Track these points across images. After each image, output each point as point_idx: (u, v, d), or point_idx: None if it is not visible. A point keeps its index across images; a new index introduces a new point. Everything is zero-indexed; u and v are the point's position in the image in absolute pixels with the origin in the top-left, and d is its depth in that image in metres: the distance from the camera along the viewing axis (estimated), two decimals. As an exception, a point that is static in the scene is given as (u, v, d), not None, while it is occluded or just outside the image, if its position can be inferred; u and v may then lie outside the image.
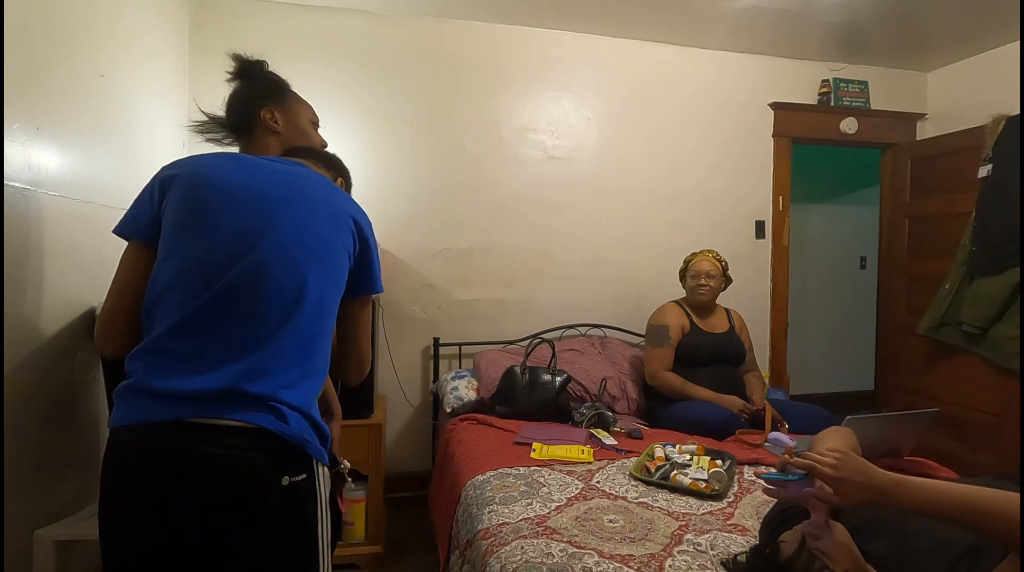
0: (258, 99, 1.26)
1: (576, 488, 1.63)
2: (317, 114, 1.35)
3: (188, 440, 0.86)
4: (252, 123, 1.26)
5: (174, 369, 0.89)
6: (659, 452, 1.85)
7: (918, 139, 3.43)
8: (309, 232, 0.99)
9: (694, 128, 3.15)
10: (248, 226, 0.95)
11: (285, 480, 0.89)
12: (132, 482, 0.88)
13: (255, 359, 0.91)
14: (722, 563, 1.23)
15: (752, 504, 1.55)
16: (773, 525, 1.23)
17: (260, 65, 1.31)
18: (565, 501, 1.55)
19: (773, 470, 1.09)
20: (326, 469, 0.99)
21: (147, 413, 0.88)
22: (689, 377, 2.38)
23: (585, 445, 1.97)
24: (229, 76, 1.28)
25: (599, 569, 1.21)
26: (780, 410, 2.26)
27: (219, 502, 0.87)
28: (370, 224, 1.09)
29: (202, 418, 0.87)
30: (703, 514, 1.48)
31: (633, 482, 1.68)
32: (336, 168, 1.27)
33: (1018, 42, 2.92)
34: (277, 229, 0.96)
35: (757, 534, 1.34)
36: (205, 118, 1.28)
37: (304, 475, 0.92)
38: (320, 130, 1.35)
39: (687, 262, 2.60)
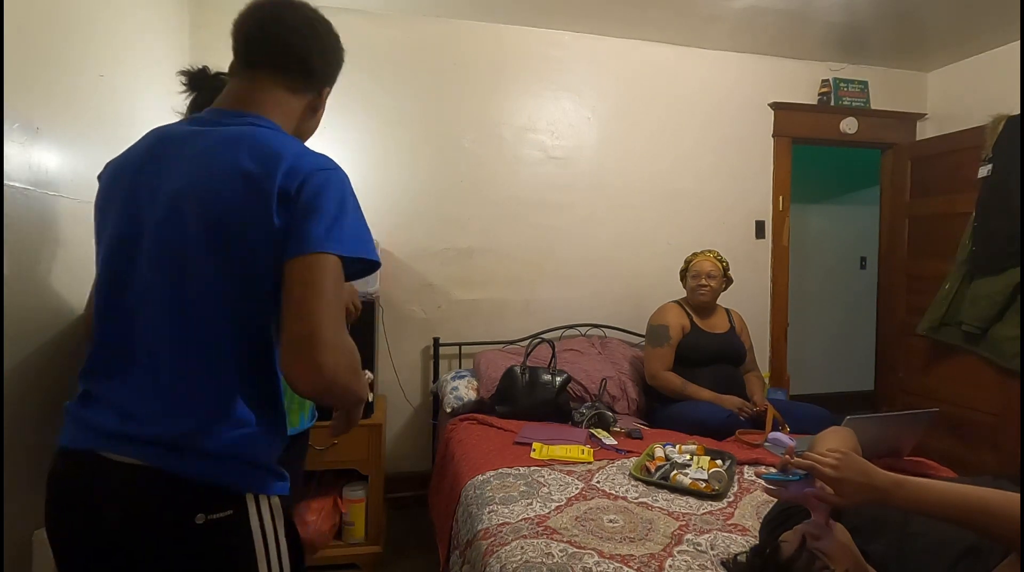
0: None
1: (576, 488, 1.63)
2: None
3: (93, 474, 0.79)
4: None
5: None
6: (659, 452, 1.85)
7: (918, 139, 3.43)
8: (191, 224, 0.80)
9: (694, 128, 3.15)
10: (124, 234, 0.85)
11: (200, 518, 0.77)
12: (51, 517, 0.83)
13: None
14: (722, 563, 1.23)
15: (752, 504, 1.55)
16: (773, 525, 1.23)
17: (204, 72, 1.27)
18: (565, 501, 1.55)
19: (773, 470, 1.09)
20: (273, 500, 0.85)
21: (68, 436, 0.83)
22: (689, 377, 2.38)
23: (585, 445, 1.97)
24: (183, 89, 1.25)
25: (599, 569, 1.21)
26: (780, 410, 2.26)
27: (124, 543, 0.78)
28: (321, 168, 0.84)
29: (107, 452, 0.78)
30: (703, 514, 1.48)
31: (633, 482, 1.68)
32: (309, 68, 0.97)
33: (1018, 42, 2.92)
34: (151, 233, 0.82)
35: (757, 534, 1.34)
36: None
37: (229, 511, 0.79)
38: (322, 130, 1.33)
39: (688, 262, 2.60)
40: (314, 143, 1.39)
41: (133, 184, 0.86)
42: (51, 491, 0.82)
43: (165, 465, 0.77)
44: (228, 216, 0.79)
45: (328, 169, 0.84)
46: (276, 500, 0.84)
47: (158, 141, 0.90)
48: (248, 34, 0.93)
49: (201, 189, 0.80)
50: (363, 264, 0.85)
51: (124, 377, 0.82)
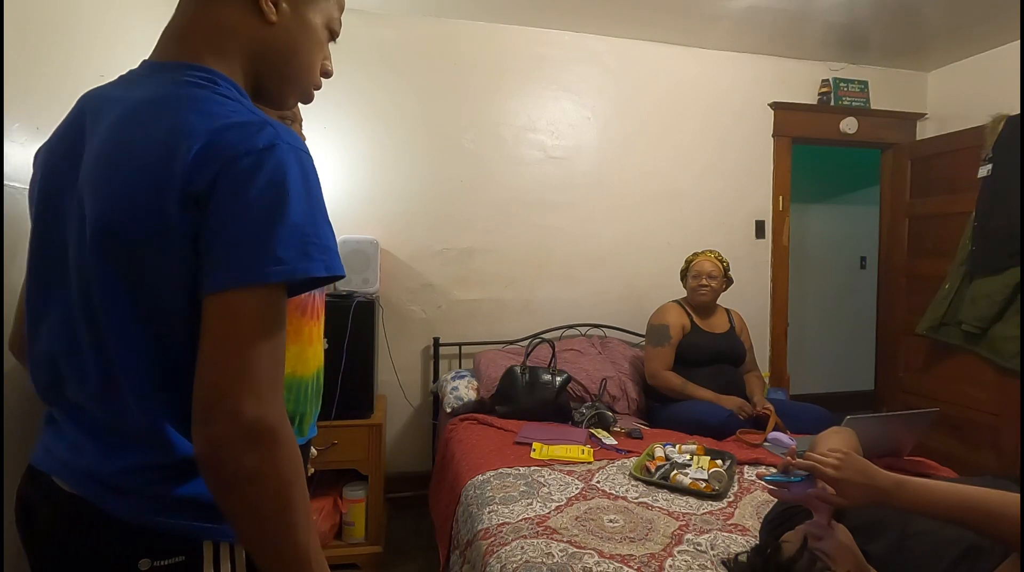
0: None
1: (576, 488, 1.63)
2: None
3: (47, 500, 0.68)
4: None
5: None
6: (659, 452, 1.85)
7: (918, 139, 3.43)
8: (89, 229, 0.63)
9: (694, 128, 3.15)
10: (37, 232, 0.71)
11: (144, 564, 0.64)
12: (19, 530, 0.72)
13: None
14: (722, 563, 1.23)
15: (752, 504, 1.55)
16: (774, 525, 1.23)
17: None
18: (565, 501, 1.55)
19: (774, 471, 1.09)
20: (237, 549, 0.70)
21: (35, 454, 0.72)
22: (689, 377, 2.38)
23: (585, 445, 1.97)
24: None
25: (599, 569, 1.21)
26: (780, 410, 2.26)
27: None
28: (248, 150, 0.59)
29: (59, 479, 0.67)
30: (703, 514, 1.49)
31: (633, 482, 1.68)
32: None
33: (1018, 42, 2.92)
34: (71, 238, 0.67)
35: (757, 534, 1.34)
36: None
37: (180, 557, 0.66)
38: (322, 130, 1.24)
39: (688, 262, 2.60)
40: (315, 143, 1.35)
41: (49, 173, 0.70)
42: (17, 506, 0.73)
43: (103, 503, 0.64)
44: (122, 219, 0.60)
45: (259, 149, 0.59)
46: (240, 548, 0.69)
47: (79, 114, 0.70)
48: None
49: (96, 182, 0.62)
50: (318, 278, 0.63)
51: (63, 408, 0.70)
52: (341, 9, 0.79)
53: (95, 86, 0.74)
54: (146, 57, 0.72)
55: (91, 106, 0.69)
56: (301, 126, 1.28)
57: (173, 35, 0.69)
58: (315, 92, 0.80)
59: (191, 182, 0.58)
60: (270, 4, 0.69)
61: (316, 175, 0.65)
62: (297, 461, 0.60)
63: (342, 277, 0.66)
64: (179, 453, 0.65)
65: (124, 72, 0.73)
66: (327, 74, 0.80)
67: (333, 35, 0.79)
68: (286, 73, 0.74)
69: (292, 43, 0.72)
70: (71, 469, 0.67)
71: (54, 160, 0.70)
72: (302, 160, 0.63)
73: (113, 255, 0.61)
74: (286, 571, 0.60)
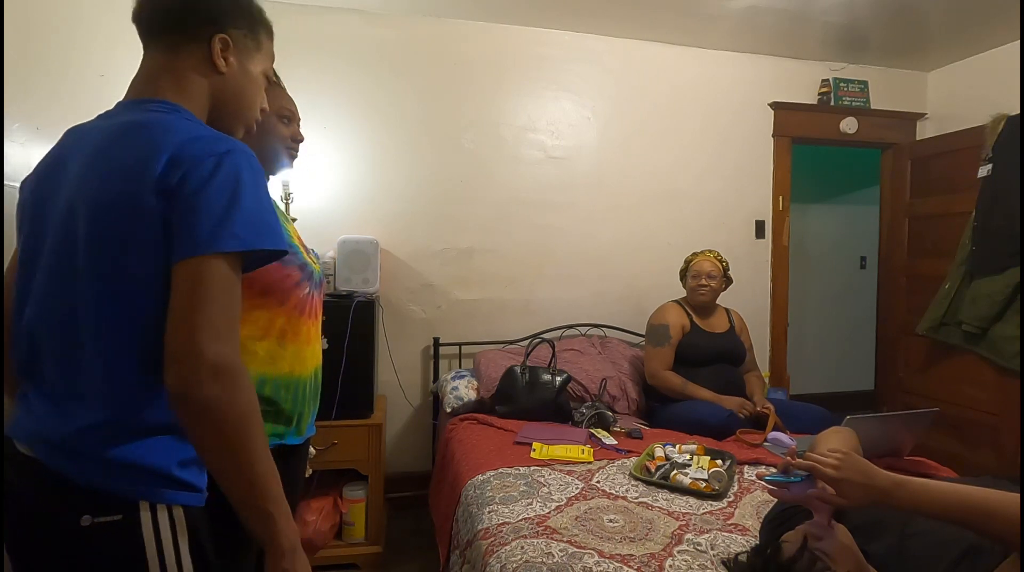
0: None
1: (576, 488, 1.63)
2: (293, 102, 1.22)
3: (9, 463, 0.78)
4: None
5: None
6: (659, 452, 1.85)
7: (918, 139, 3.43)
8: (80, 231, 0.76)
9: (694, 128, 3.15)
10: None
11: (86, 520, 0.73)
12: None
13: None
14: (723, 563, 1.23)
15: (752, 504, 1.55)
16: (774, 524, 1.23)
17: None
18: (565, 501, 1.55)
19: (774, 471, 1.09)
20: (175, 510, 0.77)
21: (8, 424, 0.81)
22: (689, 377, 2.38)
23: (585, 445, 1.97)
24: None
25: (599, 569, 1.21)
26: (780, 410, 2.26)
27: (27, 542, 0.77)
28: (210, 153, 0.75)
29: (18, 443, 0.78)
30: (703, 514, 1.49)
31: (633, 482, 1.68)
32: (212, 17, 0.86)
33: (1018, 42, 2.92)
34: (50, 244, 0.80)
35: (757, 534, 1.34)
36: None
37: (118, 516, 0.74)
38: (322, 130, 1.31)
39: (688, 262, 2.60)
40: (315, 143, 1.36)
41: (38, 195, 0.83)
42: None
43: (52, 463, 0.74)
44: (110, 218, 0.74)
45: (219, 153, 0.75)
46: (179, 511, 0.77)
47: (64, 144, 0.86)
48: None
49: (87, 192, 0.76)
50: (268, 253, 0.79)
51: (33, 381, 0.80)
52: (272, 59, 1.00)
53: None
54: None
55: (75, 137, 0.85)
56: (299, 124, 1.29)
57: (142, 80, 0.86)
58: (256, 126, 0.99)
59: (164, 178, 0.72)
60: (221, 59, 0.87)
61: (263, 176, 0.81)
62: (253, 399, 0.73)
63: (286, 252, 0.82)
64: (126, 417, 0.75)
65: (123, 78, 0.91)
66: (264, 111, 0.99)
67: (268, 80, 1.00)
68: (235, 111, 0.92)
69: (239, 89, 0.91)
70: (28, 433, 0.77)
71: (40, 182, 0.84)
72: (252, 163, 0.78)
73: (94, 238, 0.74)
74: (243, 495, 0.73)
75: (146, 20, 0.87)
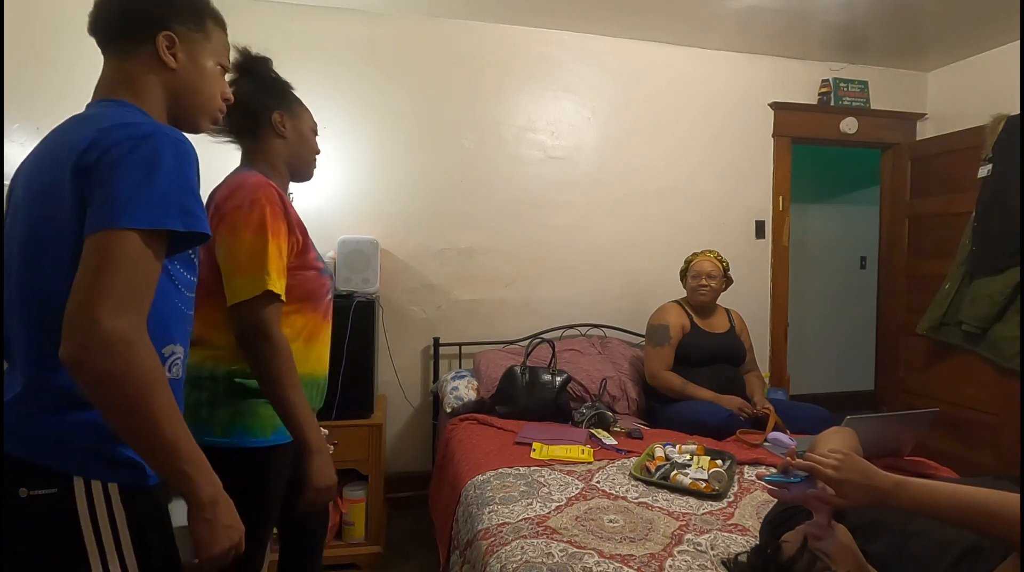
0: (268, 100, 1.23)
1: (576, 488, 1.63)
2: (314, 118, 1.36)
3: None
4: (259, 125, 1.23)
5: None
6: (659, 452, 1.85)
7: (918, 139, 3.43)
8: (19, 218, 0.82)
9: (694, 128, 3.15)
10: None
11: (23, 492, 0.75)
12: None
13: None
14: (723, 563, 1.23)
15: (752, 504, 1.55)
16: (774, 525, 1.23)
17: (266, 63, 1.27)
18: (565, 501, 1.55)
19: (774, 471, 1.09)
20: (111, 487, 0.78)
21: None
22: (689, 377, 2.38)
23: (585, 445, 1.97)
24: (233, 71, 1.22)
25: (599, 569, 1.21)
26: (780, 410, 2.26)
27: None
28: (131, 137, 0.76)
29: None
30: (703, 514, 1.48)
31: (633, 482, 1.68)
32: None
33: (1018, 42, 2.92)
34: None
35: (757, 534, 1.34)
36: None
37: (53, 489, 0.76)
38: (322, 130, 1.35)
39: (688, 262, 2.60)
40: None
41: (11, 188, 0.88)
42: None
43: None
44: (38, 201, 0.79)
45: (139, 136, 0.76)
46: (114, 488, 0.78)
47: (39, 141, 0.91)
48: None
49: (28, 181, 0.82)
50: (196, 235, 0.80)
51: None
52: (227, 48, 1.02)
53: (94, 88, 0.90)
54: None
55: (48, 135, 0.88)
56: (316, 132, 1.37)
57: (100, 86, 0.89)
58: (222, 115, 1.02)
59: (81, 159, 0.75)
60: (169, 56, 0.89)
61: (189, 161, 0.80)
62: (153, 367, 0.73)
63: (206, 235, 0.82)
64: (40, 388, 0.78)
65: None
66: (227, 100, 1.01)
67: (224, 69, 1.01)
68: (195, 104, 0.95)
69: (193, 83, 0.93)
70: None
71: (14, 178, 0.89)
72: (178, 148, 0.79)
73: (27, 221, 0.79)
74: (155, 458, 0.75)
75: (99, 31, 0.90)
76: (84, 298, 0.70)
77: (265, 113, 1.22)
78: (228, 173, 1.22)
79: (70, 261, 0.74)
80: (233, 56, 1.17)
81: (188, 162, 0.80)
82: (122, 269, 0.72)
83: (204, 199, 0.87)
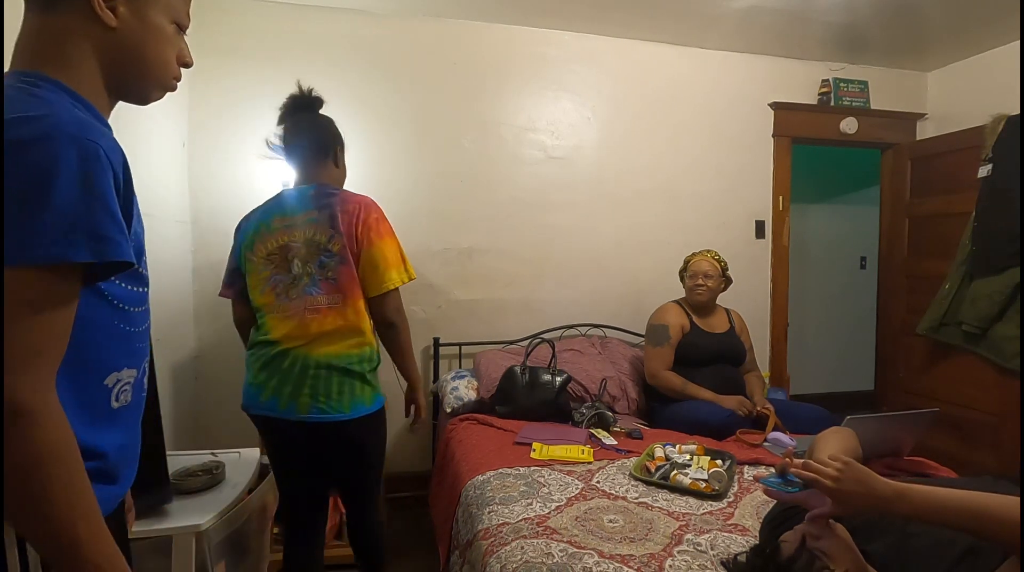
0: (336, 137, 1.46)
1: (576, 488, 1.63)
2: None
3: None
4: (327, 155, 1.44)
5: None
6: (659, 452, 1.85)
7: (918, 139, 3.43)
8: None
9: (694, 128, 3.15)
10: None
11: None
12: None
13: None
14: (722, 563, 1.23)
15: (752, 504, 1.55)
16: (774, 524, 1.23)
17: (322, 103, 1.48)
18: (565, 501, 1.55)
19: (774, 471, 1.09)
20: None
21: None
22: (689, 377, 2.38)
23: (585, 445, 1.97)
24: (296, 103, 1.43)
25: (599, 569, 1.21)
26: (780, 410, 2.26)
27: None
28: (15, 139, 0.59)
29: None
30: (703, 514, 1.48)
31: (633, 482, 1.68)
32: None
33: (1018, 42, 2.92)
34: None
35: (757, 534, 1.34)
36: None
37: None
38: None
39: (686, 262, 2.60)
40: None
41: None
42: None
43: None
44: None
45: (28, 141, 0.59)
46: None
47: None
48: None
49: None
50: (115, 264, 0.64)
51: None
52: (187, 2, 0.81)
53: None
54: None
55: None
56: (183, 27, 1.37)
57: (18, 47, 0.70)
58: (177, 83, 0.83)
59: None
60: (106, 11, 0.70)
61: (102, 167, 0.63)
62: (53, 440, 0.59)
63: (127, 263, 0.66)
64: None
65: None
66: (185, 65, 0.82)
67: (181, 28, 0.80)
68: (140, 71, 0.76)
69: (139, 44, 0.74)
70: None
71: None
72: (84, 152, 0.61)
73: None
74: (50, 553, 0.60)
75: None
76: None
77: (333, 146, 1.30)
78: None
79: None
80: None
81: (99, 169, 0.62)
82: (18, 317, 0.57)
83: (329, 213, 1.05)
